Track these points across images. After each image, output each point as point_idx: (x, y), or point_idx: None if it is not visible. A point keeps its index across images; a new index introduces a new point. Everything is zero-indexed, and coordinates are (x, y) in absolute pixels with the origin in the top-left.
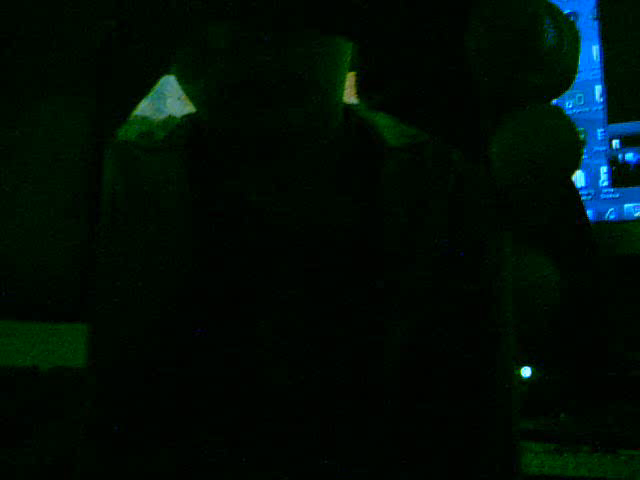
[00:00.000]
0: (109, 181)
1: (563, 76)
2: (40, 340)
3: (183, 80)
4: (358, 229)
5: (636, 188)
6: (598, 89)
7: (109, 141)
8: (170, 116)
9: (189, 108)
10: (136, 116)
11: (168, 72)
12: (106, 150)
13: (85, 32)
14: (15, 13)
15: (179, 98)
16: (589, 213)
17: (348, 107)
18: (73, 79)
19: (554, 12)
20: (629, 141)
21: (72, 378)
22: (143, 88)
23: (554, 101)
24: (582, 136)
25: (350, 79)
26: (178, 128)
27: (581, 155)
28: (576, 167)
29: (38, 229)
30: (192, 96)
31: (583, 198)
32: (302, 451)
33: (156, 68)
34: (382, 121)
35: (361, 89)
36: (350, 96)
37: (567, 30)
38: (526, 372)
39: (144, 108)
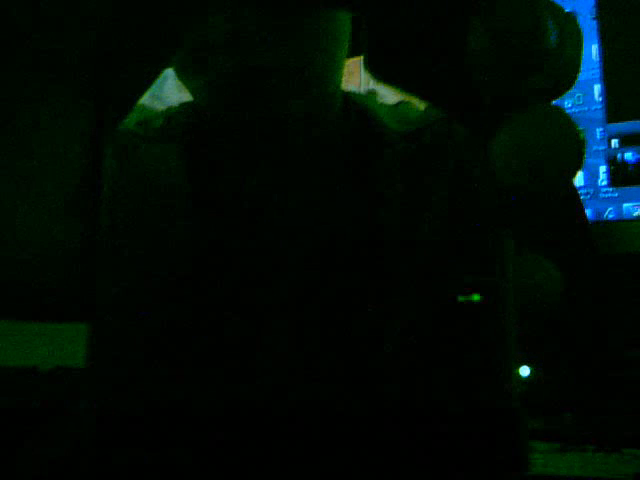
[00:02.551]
0: (109, 169)
1: (565, 76)
2: (40, 341)
3: (183, 76)
4: (358, 217)
5: (635, 187)
6: (597, 88)
7: (110, 134)
8: (169, 106)
9: (188, 95)
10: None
11: (168, 66)
12: (107, 139)
13: (85, 30)
14: (15, 11)
15: (178, 85)
16: (588, 212)
17: (347, 94)
18: (73, 78)
19: (556, 12)
20: (628, 140)
21: (72, 378)
22: (143, 86)
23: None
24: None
25: (350, 65)
26: (176, 116)
27: (583, 155)
28: (578, 167)
29: (38, 228)
30: (192, 91)
31: (582, 197)
32: (301, 450)
33: (155, 65)
34: (381, 107)
35: (369, 62)
36: (349, 84)
37: (569, 30)
38: (525, 371)
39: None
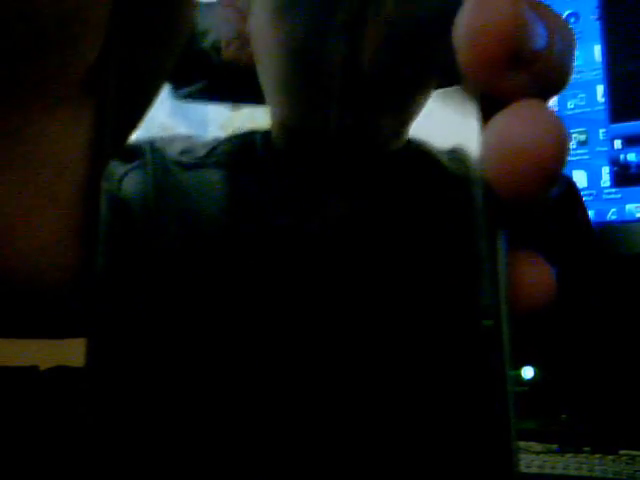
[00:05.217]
0: (142, 198)
1: (555, 79)
2: (40, 341)
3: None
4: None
5: (638, 188)
6: (600, 89)
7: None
8: (215, 138)
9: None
10: (179, 135)
11: (168, 79)
12: (138, 167)
13: (86, 42)
14: (17, 24)
15: (221, 126)
16: (590, 213)
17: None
18: (76, 90)
19: (544, 14)
20: (631, 141)
21: (72, 378)
22: (146, 96)
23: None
24: (569, 132)
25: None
26: (222, 145)
27: (567, 151)
28: (562, 164)
29: (42, 246)
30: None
31: (585, 199)
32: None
33: (157, 75)
34: (440, 152)
35: None
36: None
37: (559, 32)
38: (529, 373)
39: (185, 133)
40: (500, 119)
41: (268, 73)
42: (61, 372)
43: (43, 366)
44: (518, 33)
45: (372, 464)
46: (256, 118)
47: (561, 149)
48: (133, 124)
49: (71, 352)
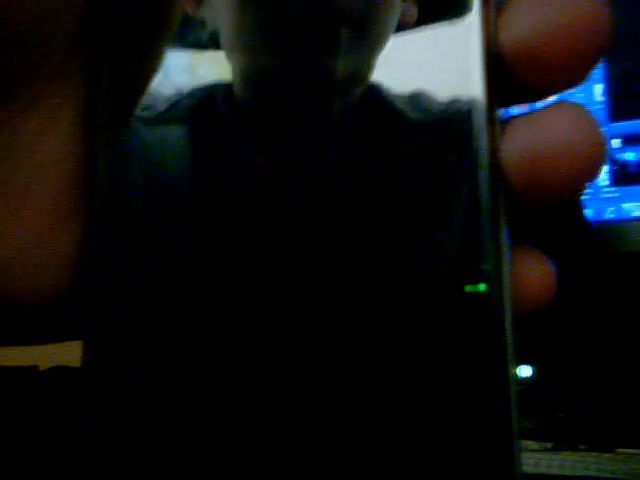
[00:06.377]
0: (108, 155)
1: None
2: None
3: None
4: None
5: (636, 187)
6: (599, 88)
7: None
8: (177, 90)
9: (197, 79)
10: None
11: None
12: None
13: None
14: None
15: (182, 70)
16: (588, 212)
17: None
18: (53, 87)
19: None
20: (630, 140)
21: (72, 378)
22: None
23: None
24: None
25: None
26: (184, 99)
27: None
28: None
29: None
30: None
31: (583, 197)
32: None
33: (145, 67)
34: (398, 97)
35: None
36: None
37: None
38: (525, 371)
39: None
40: (532, 121)
41: (225, 22)
42: (61, 372)
43: (43, 366)
44: None
45: (369, 462)
46: (219, 62)
47: (601, 153)
48: (122, 114)
49: (71, 352)
